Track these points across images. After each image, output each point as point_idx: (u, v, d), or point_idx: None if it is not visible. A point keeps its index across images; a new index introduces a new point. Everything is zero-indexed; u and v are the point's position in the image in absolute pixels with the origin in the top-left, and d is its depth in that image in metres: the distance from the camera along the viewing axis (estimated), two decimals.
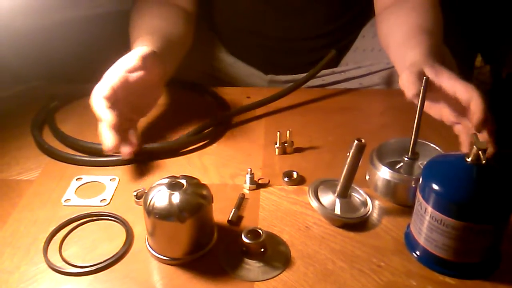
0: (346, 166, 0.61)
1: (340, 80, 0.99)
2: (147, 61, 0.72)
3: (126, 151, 0.69)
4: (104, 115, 0.67)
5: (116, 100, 0.69)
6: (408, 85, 0.64)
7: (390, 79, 0.94)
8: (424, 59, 0.70)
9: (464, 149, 0.68)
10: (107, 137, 0.66)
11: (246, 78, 1.04)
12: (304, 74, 0.89)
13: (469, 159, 0.52)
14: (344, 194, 0.63)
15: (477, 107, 0.62)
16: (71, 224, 0.63)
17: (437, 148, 0.67)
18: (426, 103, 0.65)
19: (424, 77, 0.60)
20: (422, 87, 0.60)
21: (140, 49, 0.74)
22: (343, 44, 1.04)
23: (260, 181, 0.70)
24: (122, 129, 0.69)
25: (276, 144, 0.76)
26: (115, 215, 0.64)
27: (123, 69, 0.71)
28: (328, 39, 1.02)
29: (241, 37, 1.04)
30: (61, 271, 0.56)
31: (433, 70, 0.66)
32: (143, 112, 0.79)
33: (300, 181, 0.70)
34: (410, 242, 0.59)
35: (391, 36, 0.83)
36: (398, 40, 0.80)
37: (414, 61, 0.70)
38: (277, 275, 0.56)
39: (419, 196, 0.56)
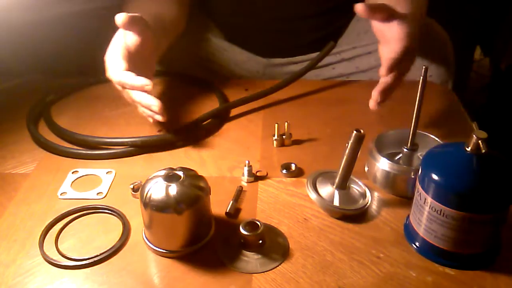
0: (345, 157, 0.61)
1: (335, 61, 0.99)
2: (139, 24, 0.73)
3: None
4: (139, 81, 0.69)
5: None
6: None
7: None
8: (403, 11, 0.70)
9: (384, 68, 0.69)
10: (152, 100, 0.70)
11: (241, 63, 1.03)
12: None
13: (468, 149, 0.51)
14: (343, 186, 0.63)
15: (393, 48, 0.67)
16: (67, 217, 0.62)
17: (436, 139, 0.67)
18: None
19: (424, 67, 0.59)
20: (421, 77, 0.60)
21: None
22: (339, 24, 1.03)
23: (258, 174, 0.69)
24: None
25: (274, 136, 0.75)
26: (111, 208, 0.63)
27: (121, 42, 0.73)
28: (324, 18, 1.01)
29: (236, 21, 1.03)
30: (57, 264, 0.56)
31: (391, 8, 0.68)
32: None
33: (299, 173, 0.70)
34: (410, 233, 0.58)
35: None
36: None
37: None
38: (276, 267, 0.55)
39: (418, 186, 0.55)
